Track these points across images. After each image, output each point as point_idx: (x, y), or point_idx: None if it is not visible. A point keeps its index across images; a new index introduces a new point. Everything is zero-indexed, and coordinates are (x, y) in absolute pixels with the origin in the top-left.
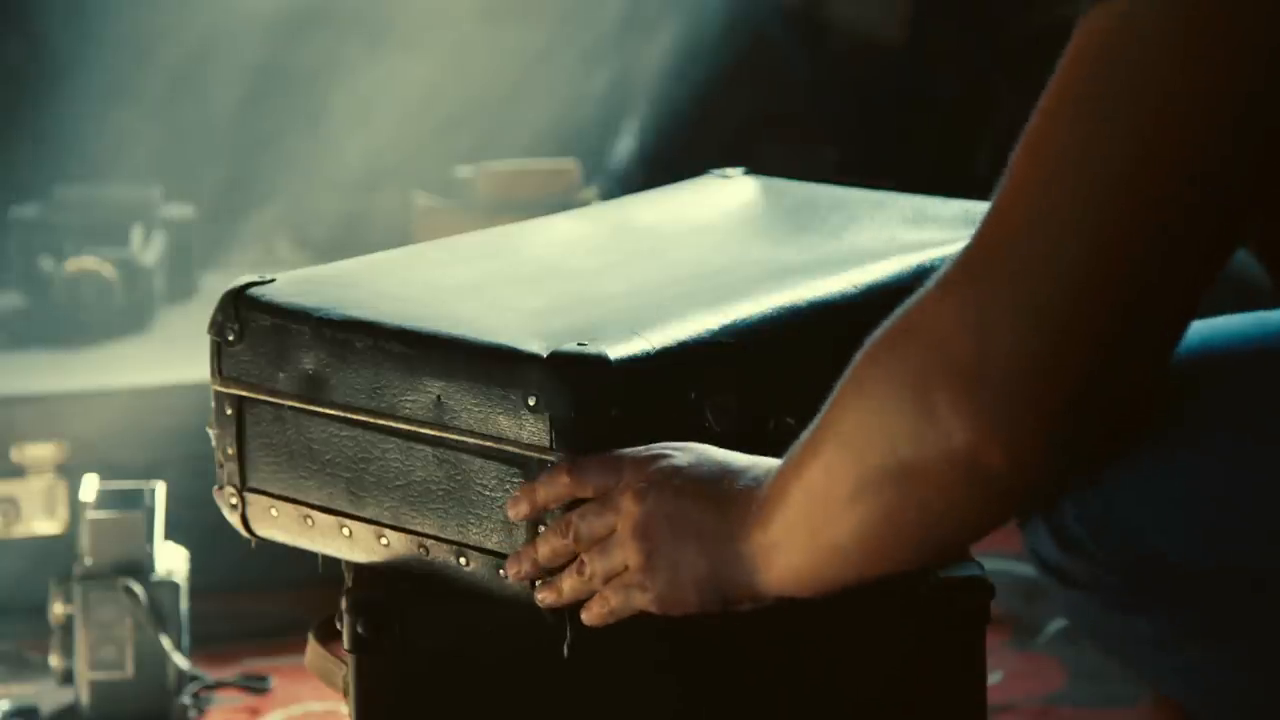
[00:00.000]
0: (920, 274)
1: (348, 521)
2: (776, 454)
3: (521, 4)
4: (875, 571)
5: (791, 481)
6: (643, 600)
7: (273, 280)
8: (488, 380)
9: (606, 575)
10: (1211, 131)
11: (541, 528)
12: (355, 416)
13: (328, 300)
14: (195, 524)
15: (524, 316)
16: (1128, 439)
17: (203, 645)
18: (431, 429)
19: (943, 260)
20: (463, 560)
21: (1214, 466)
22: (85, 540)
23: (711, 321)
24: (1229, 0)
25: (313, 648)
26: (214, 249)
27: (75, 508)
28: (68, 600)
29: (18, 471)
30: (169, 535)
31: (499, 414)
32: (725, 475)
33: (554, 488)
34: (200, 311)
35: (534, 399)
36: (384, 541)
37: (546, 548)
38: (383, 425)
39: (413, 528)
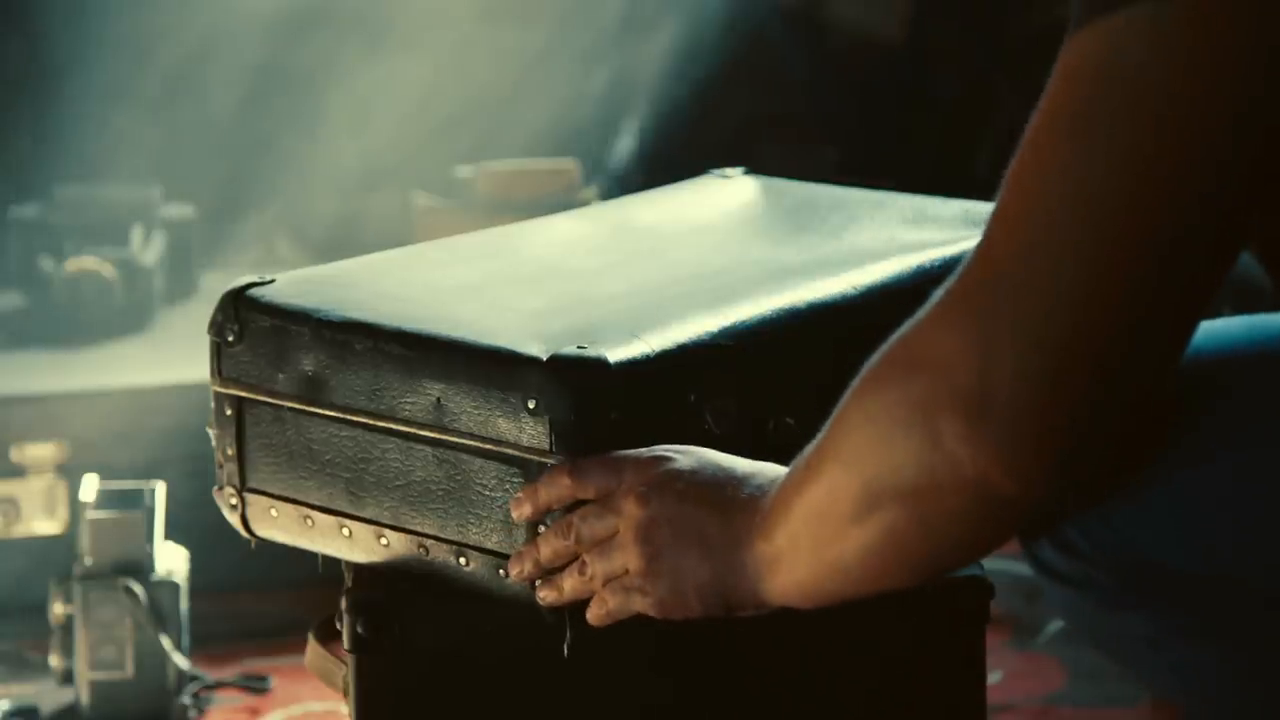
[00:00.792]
0: (920, 274)
1: (348, 521)
2: (777, 456)
3: (521, 4)
4: (877, 588)
5: (794, 497)
6: (643, 604)
7: (272, 281)
8: (487, 383)
9: (607, 576)
10: (1207, 149)
11: (542, 528)
12: (355, 418)
13: (327, 301)
14: (195, 524)
15: (524, 318)
16: (1136, 455)
17: (203, 645)
18: (431, 430)
19: (942, 261)
20: (463, 560)
21: (1208, 472)
22: (85, 540)
23: (711, 324)
24: (1220, 19)
25: (313, 648)
26: (214, 249)
27: (75, 508)
28: (68, 600)
29: (18, 471)
30: (169, 535)
31: (499, 416)
32: (729, 481)
33: (555, 489)
34: (200, 311)
35: (534, 402)
36: (384, 541)
37: (548, 548)
38: (382, 426)
39: (413, 528)
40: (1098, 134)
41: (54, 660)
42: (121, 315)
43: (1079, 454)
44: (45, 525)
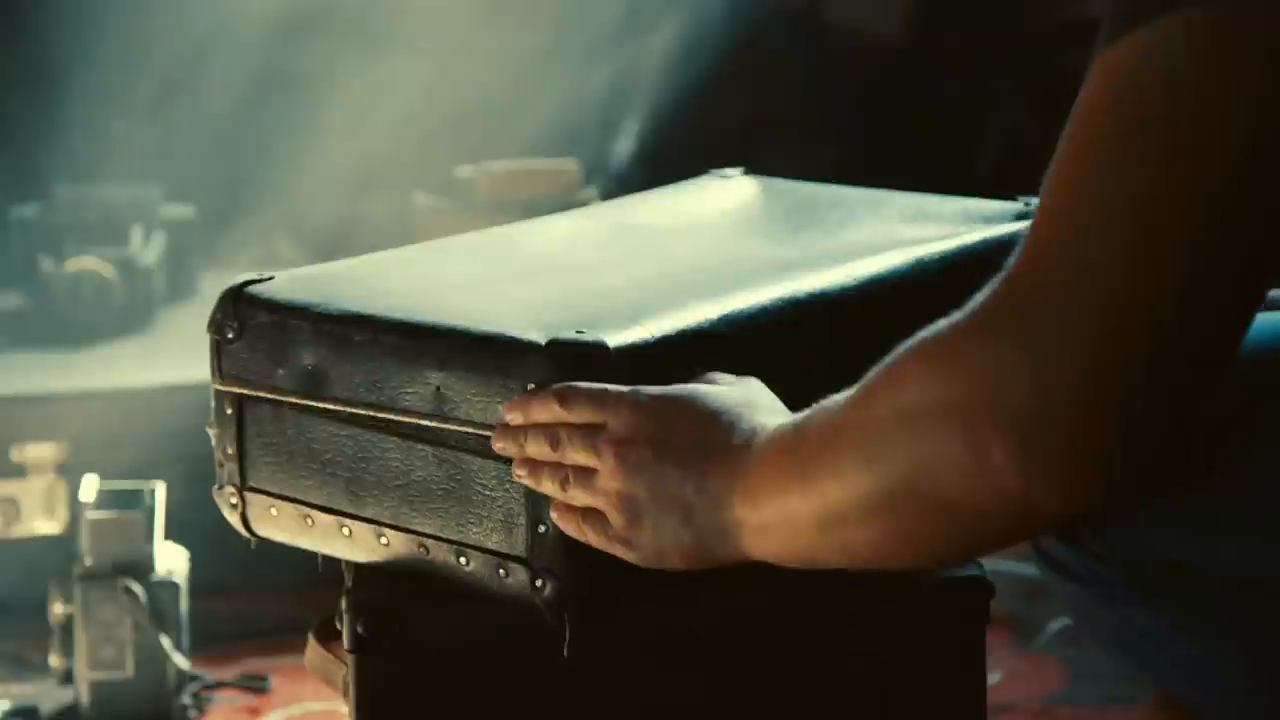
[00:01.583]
0: (919, 268)
1: (348, 521)
2: None
3: (521, 4)
4: (878, 568)
5: (793, 477)
6: (625, 555)
7: (271, 278)
8: (487, 370)
9: (585, 506)
10: (1263, 154)
11: (541, 527)
12: (355, 411)
13: (326, 296)
14: (195, 524)
15: (522, 308)
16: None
17: (203, 645)
18: (432, 420)
19: (940, 256)
20: (463, 560)
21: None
22: (85, 540)
23: (711, 312)
24: (1269, 25)
25: (313, 648)
26: (214, 249)
27: (75, 508)
28: (68, 600)
29: (18, 471)
30: (169, 535)
31: (499, 403)
32: (711, 431)
33: (544, 410)
34: (200, 311)
35: (534, 387)
36: (384, 541)
37: (534, 447)
38: (382, 423)
39: (413, 527)
40: (1152, 141)
41: (54, 660)
42: (121, 315)
43: (1134, 474)
44: (45, 525)
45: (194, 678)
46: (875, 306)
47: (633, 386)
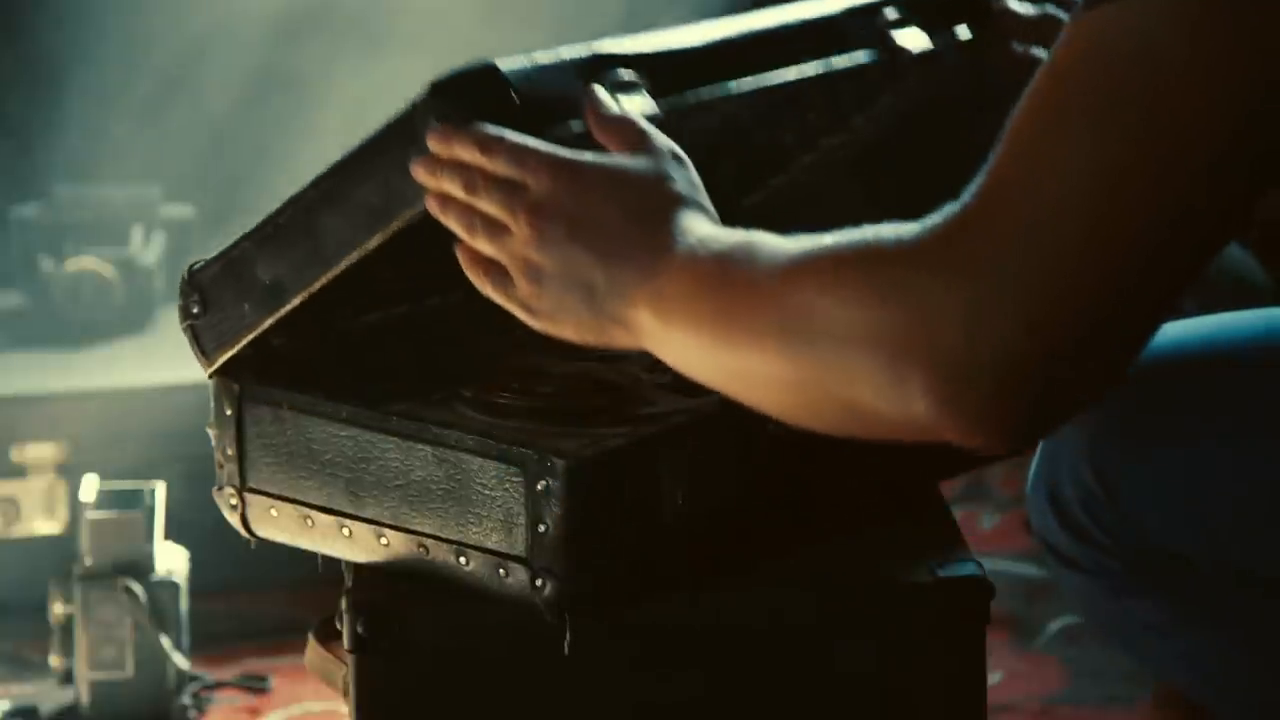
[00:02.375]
0: None
1: (348, 521)
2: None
3: (521, 4)
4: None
5: (708, 318)
6: (523, 318)
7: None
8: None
9: (491, 258)
10: (1222, 128)
11: (541, 527)
12: (355, 411)
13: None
14: (195, 524)
15: None
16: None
17: (203, 645)
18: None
19: None
20: (463, 560)
21: (1218, 460)
22: (85, 540)
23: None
24: (1243, 12)
25: (313, 648)
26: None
27: (75, 508)
28: (68, 600)
29: (18, 471)
30: (169, 535)
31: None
32: (630, 221)
33: (465, 149)
34: None
35: (436, 124)
36: (384, 541)
37: (450, 184)
38: (382, 425)
39: (412, 527)
40: (1127, 115)
41: (54, 660)
42: (121, 315)
43: (1039, 430)
44: (45, 525)
45: (194, 678)
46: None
47: (557, 150)
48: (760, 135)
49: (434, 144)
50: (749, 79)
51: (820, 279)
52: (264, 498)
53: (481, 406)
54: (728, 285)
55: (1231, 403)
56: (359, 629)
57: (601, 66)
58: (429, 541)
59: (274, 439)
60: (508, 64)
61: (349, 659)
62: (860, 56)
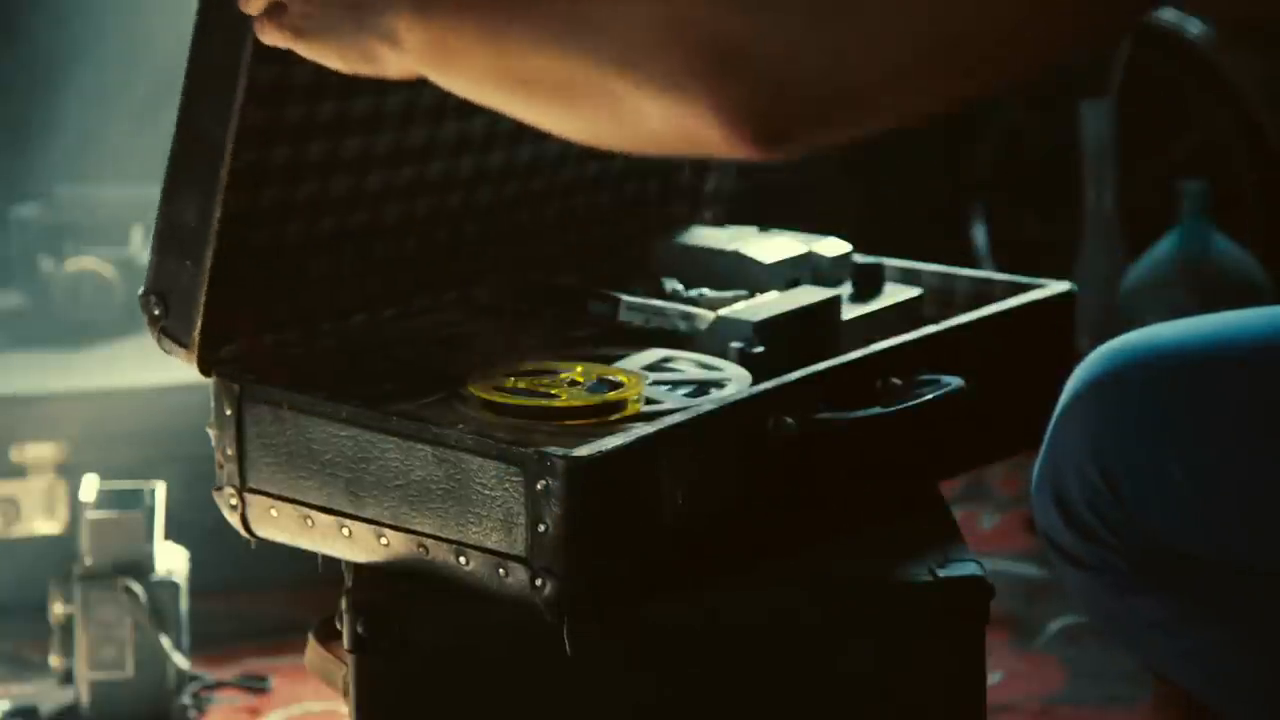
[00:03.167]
0: None
1: (348, 521)
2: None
3: None
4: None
5: (483, 23)
6: (295, 45)
7: None
8: None
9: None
10: None
11: (541, 526)
12: (356, 411)
13: None
14: (195, 524)
15: None
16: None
17: (203, 645)
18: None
19: None
20: (462, 560)
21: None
22: (85, 540)
23: None
24: None
25: (313, 648)
26: None
27: (75, 508)
28: (68, 600)
29: (18, 471)
30: (169, 535)
31: None
32: None
33: None
34: None
35: None
36: (384, 541)
37: None
38: (382, 425)
39: (412, 527)
40: None
41: (54, 660)
42: (121, 315)
43: (799, 142)
44: (45, 525)
45: (194, 678)
46: None
47: None
48: None
49: None
50: None
51: None
52: (264, 498)
53: (481, 406)
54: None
55: (1238, 400)
56: (359, 629)
57: None
58: (429, 541)
59: (274, 439)
60: None
61: (349, 659)
62: None
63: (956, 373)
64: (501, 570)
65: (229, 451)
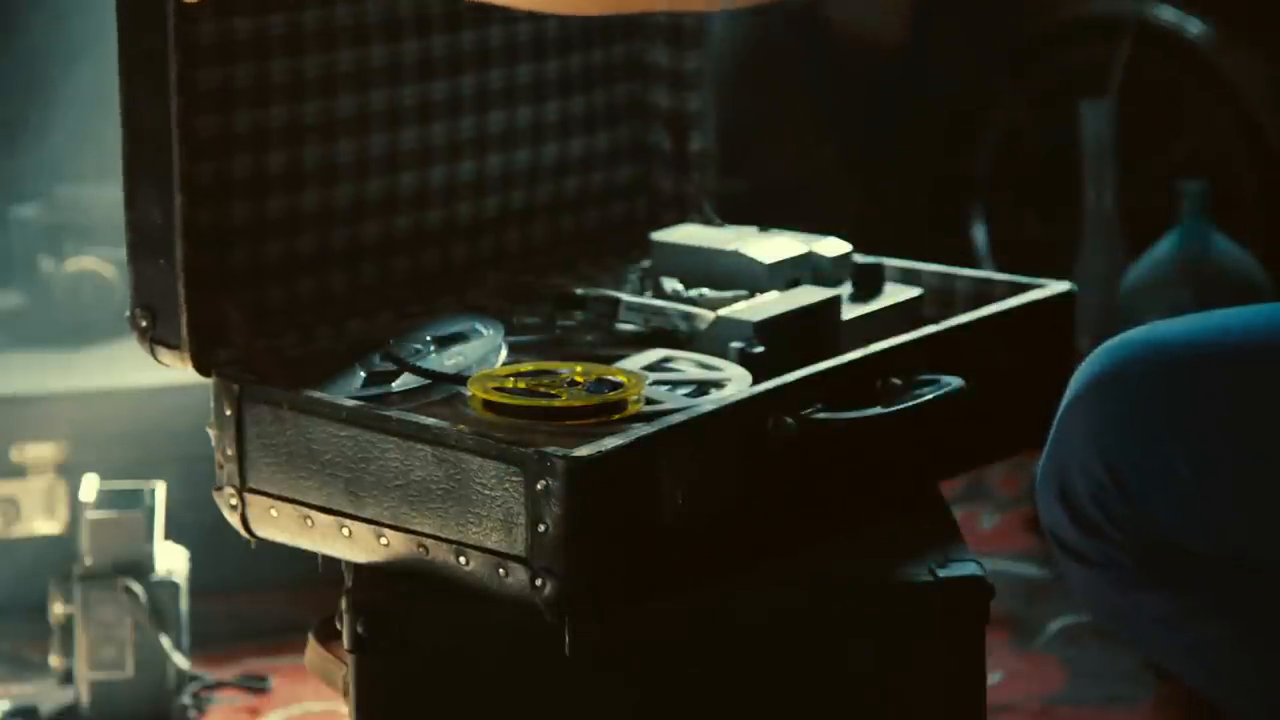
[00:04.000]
0: None
1: (348, 521)
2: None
3: None
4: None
5: None
6: None
7: None
8: None
9: None
10: None
11: (541, 526)
12: (356, 410)
13: None
14: (195, 524)
15: None
16: None
17: (203, 645)
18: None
19: None
20: (462, 560)
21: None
22: (85, 540)
23: None
24: None
25: (313, 648)
26: None
27: (75, 508)
28: (68, 600)
29: (18, 471)
30: (169, 535)
31: None
32: None
33: None
34: None
35: None
36: (384, 541)
37: None
38: (382, 425)
39: (412, 527)
40: None
41: (54, 660)
42: (121, 315)
43: None
44: (45, 525)
45: (194, 678)
46: None
47: None
48: None
49: None
50: None
51: None
52: (264, 498)
53: (482, 406)
54: None
55: (1242, 396)
56: (359, 629)
57: None
58: (429, 541)
59: (274, 439)
60: None
61: (349, 659)
62: None
63: (956, 373)
64: (501, 570)
65: (229, 451)
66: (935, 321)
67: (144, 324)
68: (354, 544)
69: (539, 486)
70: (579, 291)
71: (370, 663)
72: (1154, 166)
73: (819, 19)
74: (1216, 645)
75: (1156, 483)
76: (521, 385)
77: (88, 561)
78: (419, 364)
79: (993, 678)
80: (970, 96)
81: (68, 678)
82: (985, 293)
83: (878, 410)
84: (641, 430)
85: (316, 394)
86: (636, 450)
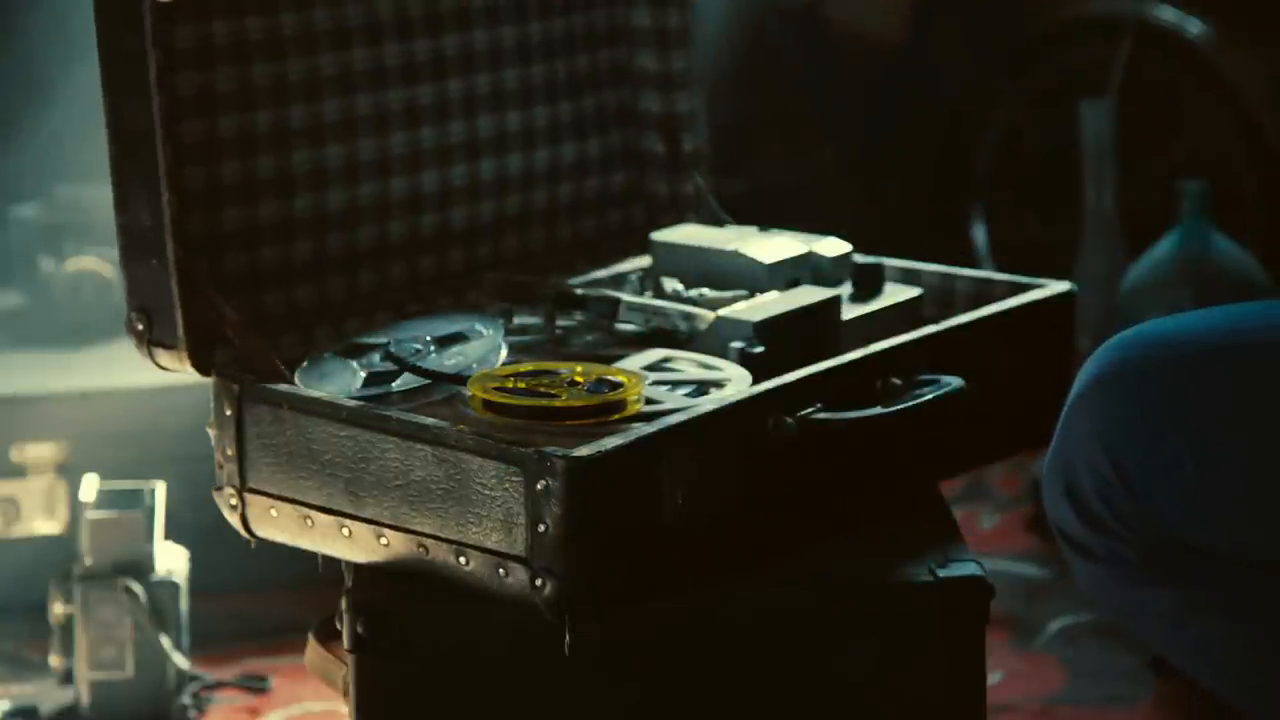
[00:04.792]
0: None
1: (348, 521)
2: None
3: None
4: None
5: None
6: None
7: None
8: None
9: None
10: None
11: (541, 526)
12: (356, 409)
13: None
14: (195, 524)
15: None
16: None
17: (203, 645)
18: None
19: None
20: (462, 560)
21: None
22: (85, 540)
23: None
24: None
25: (313, 648)
26: None
27: (75, 508)
28: (68, 600)
29: (18, 471)
30: (169, 535)
31: None
32: None
33: None
34: None
35: None
36: (384, 541)
37: None
38: (382, 425)
39: (412, 527)
40: None
41: (54, 660)
42: (121, 315)
43: None
44: (45, 525)
45: (194, 678)
46: None
47: None
48: None
49: None
50: None
51: None
52: (264, 498)
53: (482, 406)
54: None
55: (1246, 392)
56: (359, 629)
57: None
58: (429, 541)
59: (274, 439)
60: None
61: (349, 659)
62: None
63: (956, 373)
64: (501, 570)
65: (229, 451)
66: (935, 321)
67: (140, 327)
68: (354, 544)
69: (539, 486)
70: (579, 292)
71: (370, 663)
72: (1154, 166)
73: (819, 19)
74: (1222, 641)
75: (1161, 478)
76: (521, 385)
77: (88, 561)
78: (419, 364)
79: (993, 678)
80: (970, 96)
81: (68, 678)
82: (985, 293)
83: (878, 410)
84: (641, 430)
85: (316, 394)
86: (636, 450)
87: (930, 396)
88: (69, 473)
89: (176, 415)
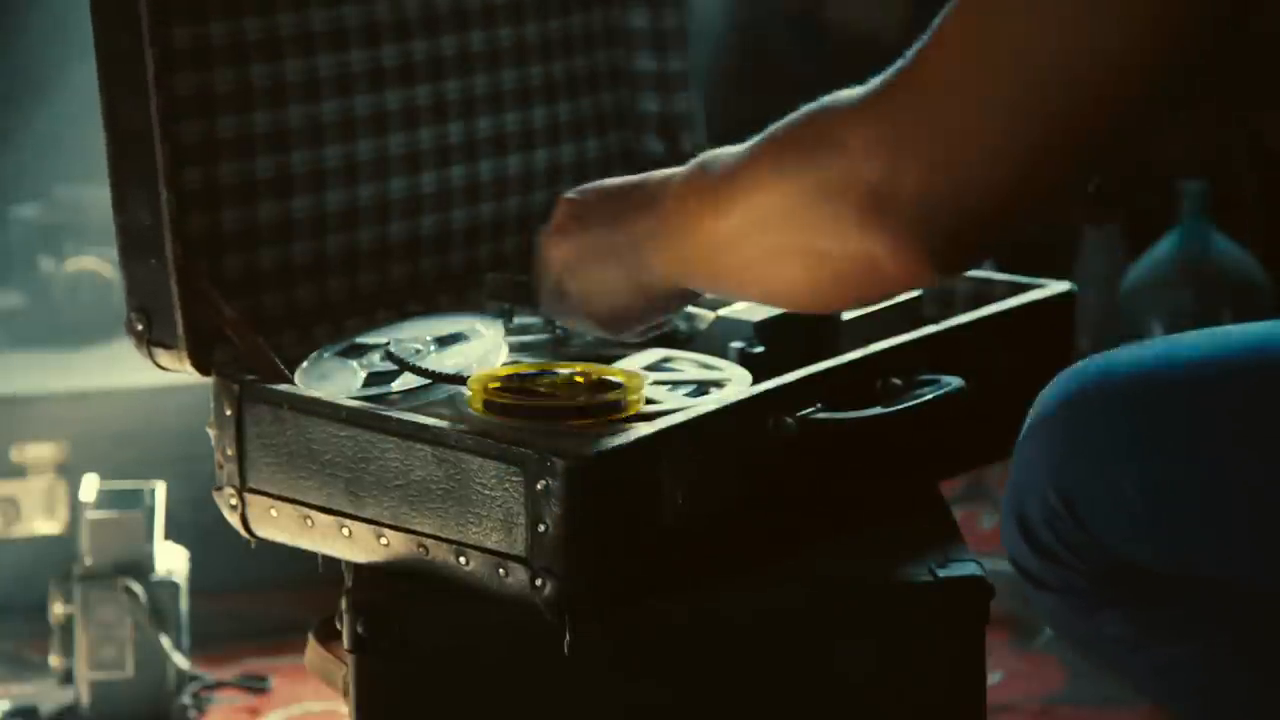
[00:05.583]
0: None
1: (348, 521)
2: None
3: None
4: (772, 303)
5: (695, 221)
6: (556, 309)
7: None
8: None
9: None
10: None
11: (541, 526)
12: (356, 409)
13: None
14: (195, 524)
15: None
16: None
17: (203, 645)
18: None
19: None
20: (462, 560)
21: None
22: (85, 540)
23: None
24: None
25: (313, 648)
26: None
27: (75, 508)
28: (68, 600)
29: (18, 471)
30: (169, 535)
31: None
32: (622, 193)
33: None
34: None
35: None
36: (384, 541)
37: None
38: (382, 425)
39: (412, 527)
40: None
41: (54, 660)
42: (121, 315)
43: (962, 256)
44: (45, 525)
45: (194, 678)
46: None
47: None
48: None
49: None
50: None
51: (772, 154)
52: (264, 498)
53: (482, 406)
54: (708, 179)
55: (1184, 416)
56: (359, 629)
57: None
58: (429, 541)
59: (274, 439)
60: None
61: (349, 659)
62: None
63: (956, 373)
64: (501, 570)
65: (229, 451)
66: (935, 321)
67: (140, 327)
68: (354, 544)
69: (539, 486)
70: None
71: (370, 663)
72: (1154, 166)
73: (819, 19)
74: (1179, 665)
75: (1105, 503)
76: (522, 385)
77: (88, 561)
78: (419, 364)
79: (993, 678)
80: None
81: (68, 678)
82: (985, 293)
83: (877, 410)
84: (641, 430)
85: (316, 394)
86: (636, 450)
87: (930, 396)
88: (69, 473)
89: (176, 415)
